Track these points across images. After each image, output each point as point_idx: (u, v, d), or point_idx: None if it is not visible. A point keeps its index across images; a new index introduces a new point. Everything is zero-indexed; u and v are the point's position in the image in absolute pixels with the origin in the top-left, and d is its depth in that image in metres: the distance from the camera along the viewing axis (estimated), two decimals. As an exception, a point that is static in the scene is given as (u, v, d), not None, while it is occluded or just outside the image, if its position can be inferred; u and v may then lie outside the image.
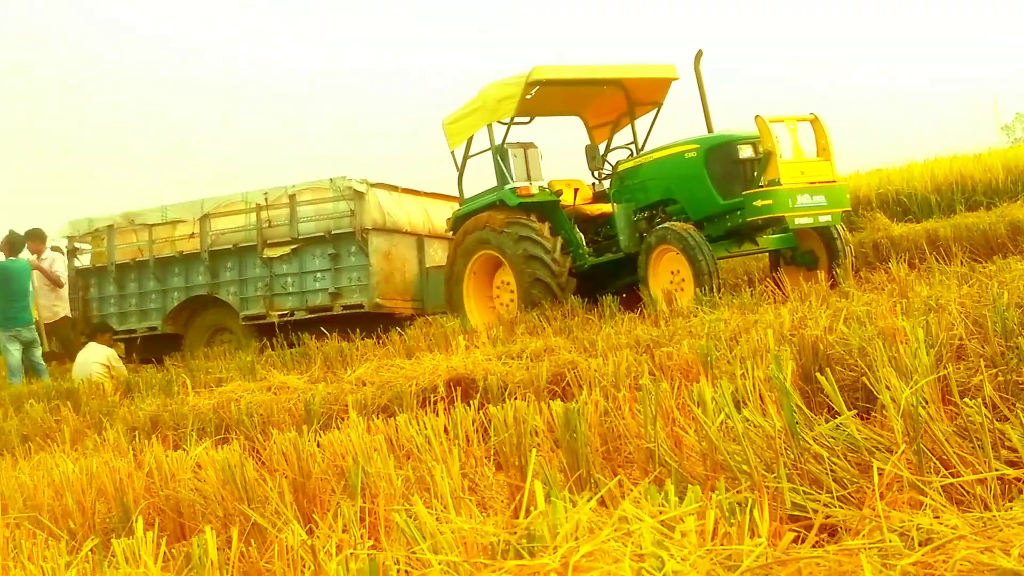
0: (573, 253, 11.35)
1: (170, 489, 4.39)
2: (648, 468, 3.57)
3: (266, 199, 13.38)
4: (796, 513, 2.75)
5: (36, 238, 13.63)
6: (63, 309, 13.76)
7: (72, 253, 14.82)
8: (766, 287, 9.29)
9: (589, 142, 12.66)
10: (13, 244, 12.94)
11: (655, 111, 12.35)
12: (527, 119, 12.67)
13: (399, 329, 10.92)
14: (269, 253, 13.27)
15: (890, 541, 2.06)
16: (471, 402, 4.96)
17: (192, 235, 13.90)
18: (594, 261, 11.43)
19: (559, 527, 2.19)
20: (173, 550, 3.35)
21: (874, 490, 2.61)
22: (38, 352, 12.92)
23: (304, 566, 3.00)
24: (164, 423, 6.70)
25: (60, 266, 13.67)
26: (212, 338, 13.96)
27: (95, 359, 11.63)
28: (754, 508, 2.14)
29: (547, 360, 6.12)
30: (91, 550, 3.17)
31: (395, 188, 13.57)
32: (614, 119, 12.78)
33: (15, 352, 12.68)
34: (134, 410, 7.22)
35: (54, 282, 13.53)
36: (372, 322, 12.44)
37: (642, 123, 12.52)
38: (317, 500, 4.23)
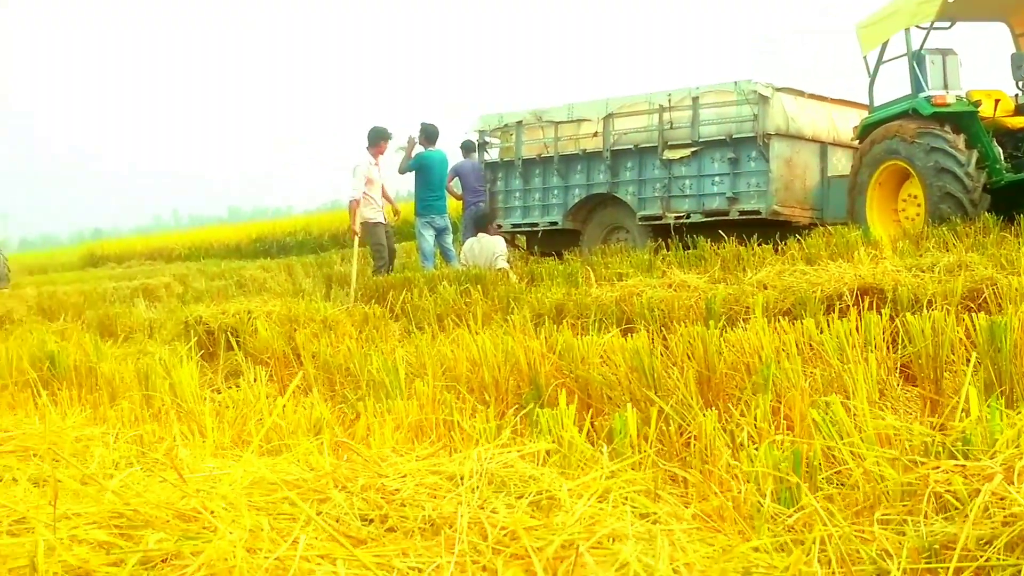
0: (989, 168, 10.69)
1: (581, 370, 4.58)
2: (1079, 391, 3.38)
3: (669, 101, 13.41)
4: None
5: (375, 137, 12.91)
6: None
7: (482, 147, 15.49)
8: None
9: (1015, 50, 11.78)
10: (429, 135, 13.62)
11: (1095, 18, 11.31)
12: (948, 24, 11.93)
13: (798, 236, 10.75)
14: (669, 155, 13.34)
15: None
16: (881, 312, 4.85)
17: (595, 134, 14.17)
18: (1012, 178, 10.70)
19: (996, 434, 2.13)
20: (595, 423, 3.52)
21: None
22: (449, 238, 13.66)
23: (714, 453, 3.07)
24: (568, 311, 6.96)
25: (358, 174, 12.70)
26: (608, 236, 14.27)
27: (497, 251, 12.12)
28: None
29: (962, 275, 5.85)
30: (520, 417, 3.38)
31: (800, 93, 13.21)
32: (1045, 26, 11.80)
33: (428, 238, 13.48)
34: (540, 297, 7.54)
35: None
36: (767, 229, 12.29)
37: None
38: (721, 394, 4.29)
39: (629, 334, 5.33)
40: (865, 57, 12.03)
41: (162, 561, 1.85)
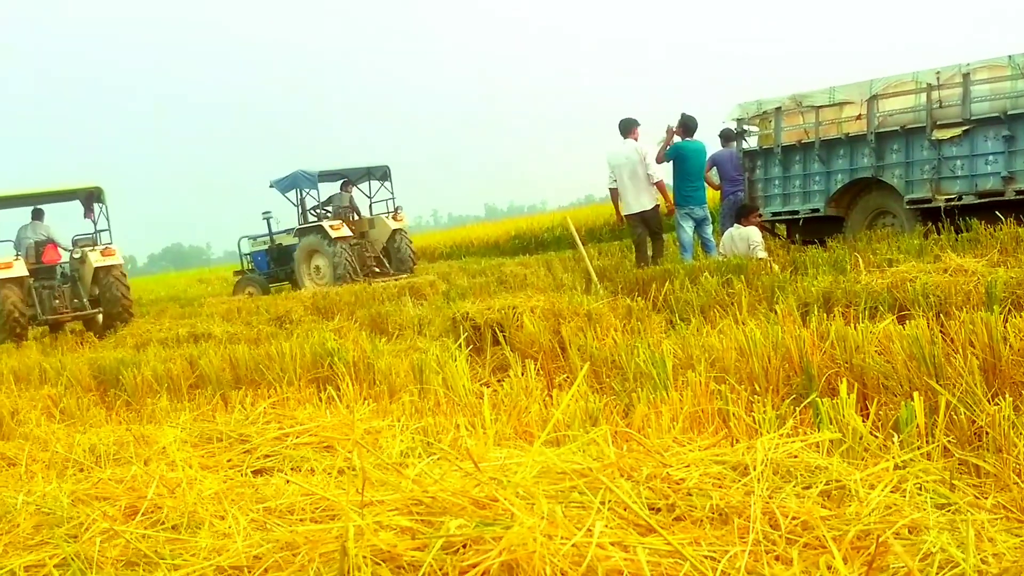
0: None
1: (856, 359, 4.47)
2: None
3: (938, 79, 12.84)
4: None
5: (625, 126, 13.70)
6: (643, 202, 13.60)
7: (740, 136, 15.25)
8: None
9: None
10: (687, 126, 13.57)
11: None
12: None
13: (1083, 216, 10.17)
14: (938, 135, 12.75)
15: None
16: None
17: (859, 116, 13.72)
18: None
19: None
20: (880, 412, 3.43)
21: None
22: (709, 229, 13.55)
23: (1008, 443, 2.94)
24: (836, 299, 6.81)
25: (652, 154, 13.46)
26: (873, 221, 13.80)
27: (752, 241, 11.96)
28: None
29: None
30: (798, 407, 3.33)
31: (1082, 63, 12.40)
32: None
33: (688, 229, 13.41)
34: (805, 286, 7.39)
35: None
36: (1050, 208, 11.62)
37: None
38: (1008, 382, 4.11)
39: (904, 321, 5.17)
40: None
41: (462, 546, 1.93)
